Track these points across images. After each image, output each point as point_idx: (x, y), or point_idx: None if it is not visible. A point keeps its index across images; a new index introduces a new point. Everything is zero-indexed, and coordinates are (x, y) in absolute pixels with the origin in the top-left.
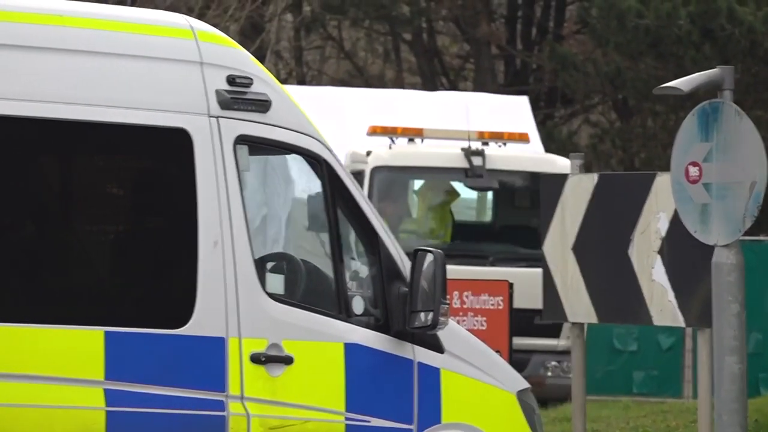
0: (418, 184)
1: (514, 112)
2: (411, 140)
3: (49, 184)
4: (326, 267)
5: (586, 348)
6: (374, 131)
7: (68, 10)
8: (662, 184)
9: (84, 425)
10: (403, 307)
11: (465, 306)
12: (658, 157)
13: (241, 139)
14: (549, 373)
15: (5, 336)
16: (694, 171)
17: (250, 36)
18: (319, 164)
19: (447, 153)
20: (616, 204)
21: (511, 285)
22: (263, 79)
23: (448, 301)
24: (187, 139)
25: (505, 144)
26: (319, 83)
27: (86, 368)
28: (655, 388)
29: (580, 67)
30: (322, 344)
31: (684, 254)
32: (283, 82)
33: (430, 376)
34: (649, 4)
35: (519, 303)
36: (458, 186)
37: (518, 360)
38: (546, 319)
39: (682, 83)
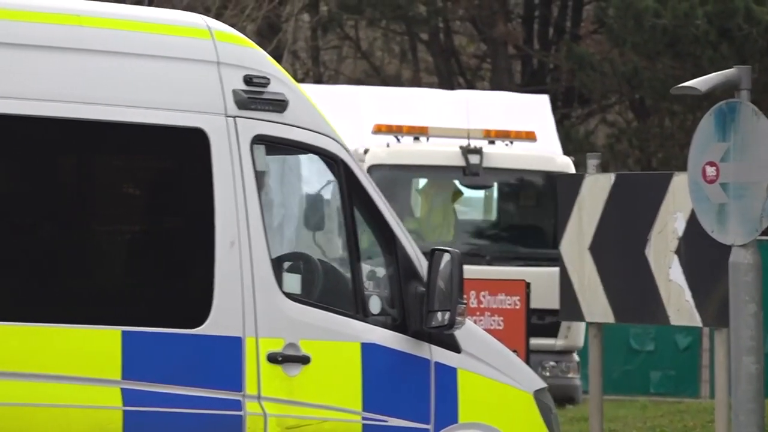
0: (415, 182)
1: (531, 110)
2: (416, 138)
3: (66, 184)
4: (343, 267)
5: (603, 348)
6: (379, 129)
7: (86, 10)
8: (679, 183)
9: (101, 425)
10: (420, 307)
11: (482, 306)
12: (675, 156)
13: (258, 139)
14: (547, 373)
15: (23, 336)
16: (711, 171)
17: (267, 36)
18: (336, 164)
19: (444, 151)
20: (633, 204)
21: (528, 285)
22: (280, 79)
23: (465, 301)
24: (204, 139)
25: (512, 142)
26: (335, 83)
27: (103, 368)
28: (672, 387)
29: (597, 66)
30: (339, 344)
31: (701, 254)
32: (300, 81)
33: (447, 375)
34: (666, 3)
35: None
36: (454, 185)
37: None
38: (563, 318)
39: (699, 83)
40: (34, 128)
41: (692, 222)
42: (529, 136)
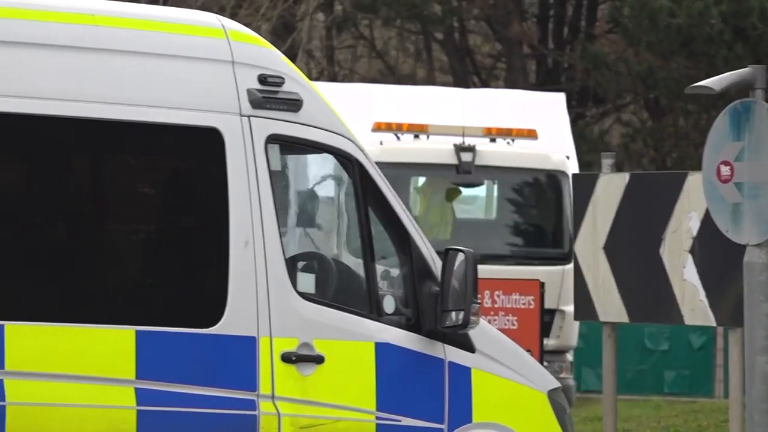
0: (412, 180)
1: (542, 108)
2: (416, 136)
3: (81, 183)
4: (357, 266)
5: (617, 347)
6: (378, 127)
7: (102, 10)
8: (694, 183)
9: (115, 424)
10: (434, 307)
11: (496, 305)
12: (690, 156)
13: (272, 139)
14: None
15: (37, 335)
16: (725, 170)
17: (282, 35)
18: (350, 163)
19: (437, 149)
20: (648, 203)
21: (542, 284)
22: (295, 79)
23: (479, 301)
24: (219, 138)
25: (513, 140)
26: (350, 82)
27: (117, 367)
28: (687, 387)
29: (612, 66)
30: (353, 343)
31: (715, 253)
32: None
33: (461, 375)
34: (681, 3)
35: None
36: (446, 183)
37: None
38: (577, 318)
39: (714, 82)
40: (52, 128)
41: (706, 221)
42: (531, 134)
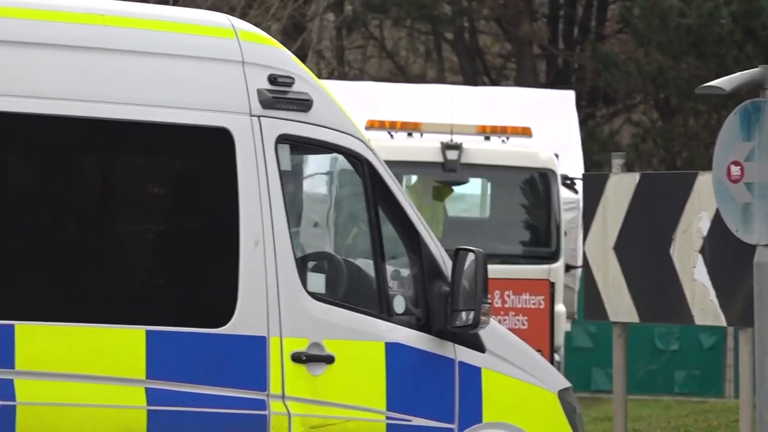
0: (404, 179)
1: (550, 107)
2: (410, 134)
3: (92, 183)
4: (367, 266)
5: (627, 347)
6: (372, 125)
7: (111, 10)
8: (704, 183)
9: (125, 424)
10: (445, 307)
11: (506, 305)
12: (700, 156)
13: (282, 139)
14: None
15: (48, 335)
16: (735, 170)
17: (292, 35)
18: (360, 163)
19: (423, 147)
20: (658, 203)
21: (552, 284)
22: (305, 79)
23: (489, 301)
24: (229, 138)
25: (508, 138)
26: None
27: (128, 367)
28: (697, 387)
29: (622, 66)
30: (364, 343)
31: (726, 253)
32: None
33: (471, 375)
34: (691, 3)
35: None
36: (433, 181)
37: None
38: (588, 318)
39: (724, 82)
40: (61, 128)
41: (717, 221)
42: (525, 132)
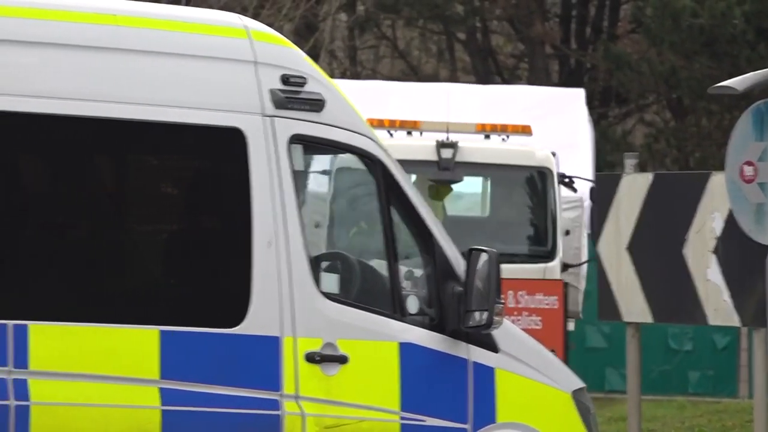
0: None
1: (556, 105)
2: (409, 133)
3: (104, 184)
4: (381, 266)
5: (641, 347)
6: (371, 124)
7: (124, 10)
8: (717, 183)
9: (139, 424)
10: (458, 307)
11: (520, 305)
12: (713, 156)
13: (295, 139)
14: None
15: (61, 335)
16: (749, 170)
17: (305, 35)
18: (373, 163)
19: (418, 145)
20: (671, 203)
21: (566, 284)
22: (317, 79)
23: (502, 301)
24: (242, 138)
25: (508, 137)
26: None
27: (141, 367)
28: (711, 387)
29: (635, 66)
30: (377, 343)
31: (739, 254)
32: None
33: (485, 375)
34: (703, 3)
35: None
36: (438, 179)
37: None
38: (601, 318)
39: (737, 82)
40: (74, 128)
41: (730, 222)
42: (525, 130)
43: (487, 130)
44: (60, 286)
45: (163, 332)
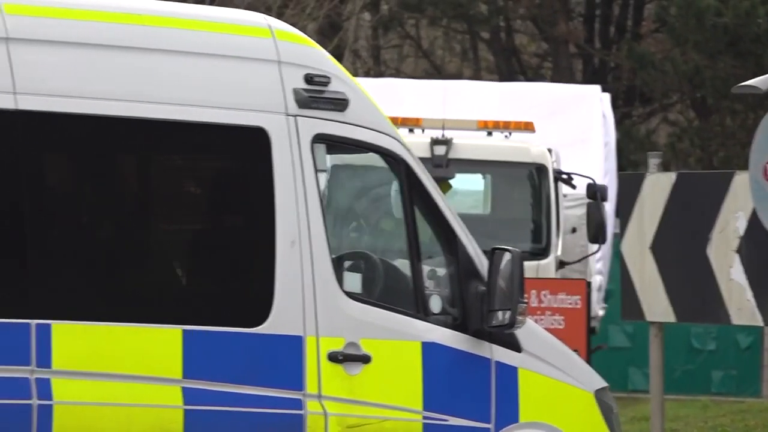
0: None
1: (569, 102)
2: (411, 130)
3: (128, 183)
4: (404, 266)
5: (664, 347)
6: None
7: (149, 10)
8: (741, 182)
9: (162, 424)
10: (481, 306)
11: (543, 305)
12: (737, 155)
13: (318, 138)
14: None
15: (85, 334)
16: None
17: (328, 35)
18: (397, 163)
19: (412, 142)
20: (695, 203)
21: (588, 284)
22: (341, 78)
23: (525, 300)
24: (265, 138)
25: (510, 134)
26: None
27: (164, 366)
28: (734, 387)
29: (659, 65)
30: (400, 343)
31: (763, 253)
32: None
33: (508, 375)
34: (727, 2)
35: None
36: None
37: None
38: (624, 318)
39: (761, 82)
40: (100, 127)
41: (754, 221)
42: (528, 127)
43: (488, 127)
44: (83, 286)
45: (186, 332)
